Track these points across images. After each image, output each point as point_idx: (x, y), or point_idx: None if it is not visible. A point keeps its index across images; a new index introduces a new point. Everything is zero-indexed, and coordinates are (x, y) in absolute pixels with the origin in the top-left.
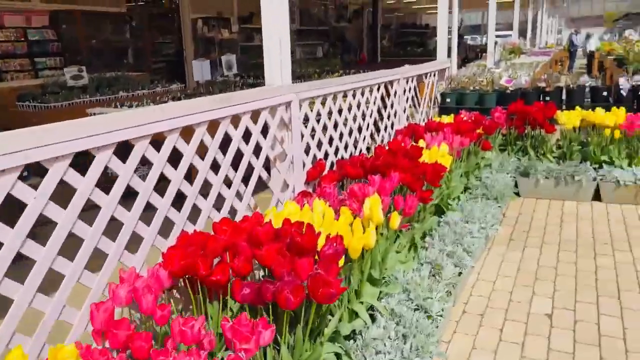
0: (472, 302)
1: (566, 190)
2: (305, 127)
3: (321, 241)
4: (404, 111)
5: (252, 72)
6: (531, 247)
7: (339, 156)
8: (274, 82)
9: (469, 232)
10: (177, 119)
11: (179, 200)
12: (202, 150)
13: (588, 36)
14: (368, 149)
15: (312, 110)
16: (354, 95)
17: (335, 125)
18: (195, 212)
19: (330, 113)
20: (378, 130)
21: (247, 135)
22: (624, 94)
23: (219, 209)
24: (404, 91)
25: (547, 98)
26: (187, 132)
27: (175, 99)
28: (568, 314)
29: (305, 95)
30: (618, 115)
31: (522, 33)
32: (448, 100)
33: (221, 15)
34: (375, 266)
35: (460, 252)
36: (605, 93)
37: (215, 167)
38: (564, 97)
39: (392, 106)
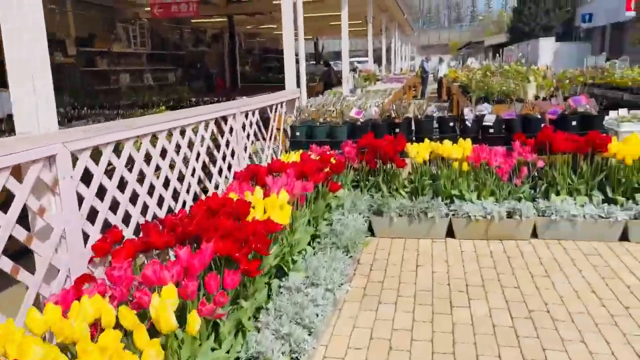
0: None
1: (420, 227)
2: (89, 185)
3: None
4: (245, 150)
5: (90, 102)
6: (386, 304)
7: (149, 217)
8: (29, 130)
9: (313, 300)
10: None
11: None
12: None
13: (441, 61)
14: (196, 199)
15: (99, 163)
16: (170, 135)
17: (142, 178)
18: None
19: (130, 163)
20: (211, 175)
21: None
22: (469, 124)
23: None
24: (244, 127)
25: (397, 130)
26: None
27: None
28: None
29: (81, 145)
30: (465, 147)
31: (378, 60)
32: (298, 133)
33: (54, 37)
34: None
35: (298, 333)
36: (451, 124)
37: None
38: (414, 127)
39: (227, 145)
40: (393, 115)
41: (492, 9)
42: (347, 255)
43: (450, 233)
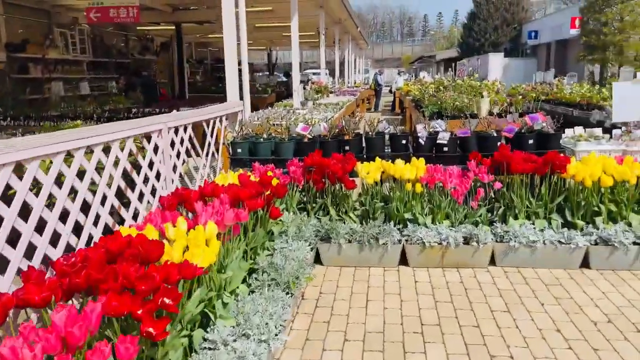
0: None
1: (371, 255)
2: None
3: None
4: (175, 171)
5: (17, 112)
6: (331, 351)
7: (36, 260)
8: None
9: (241, 357)
10: None
11: None
12: None
13: (400, 74)
14: (110, 231)
15: None
16: (69, 156)
17: (27, 211)
18: None
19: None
20: (130, 202)
21: None
22: (422, 142)
23: None
24: (173, 144)
25: (347, 147)
26: None
27: None
28: None
29: None
30: (418, 167)
31: (333, 72)
32: (239, 150)
33: None
34: None
35: None
36: (404, 141)
37: None
38: (365, 144)
39: (151, 166)
40: (343, 131)
41: (444, 25)
42: (288, 294)
43: (403, 260)
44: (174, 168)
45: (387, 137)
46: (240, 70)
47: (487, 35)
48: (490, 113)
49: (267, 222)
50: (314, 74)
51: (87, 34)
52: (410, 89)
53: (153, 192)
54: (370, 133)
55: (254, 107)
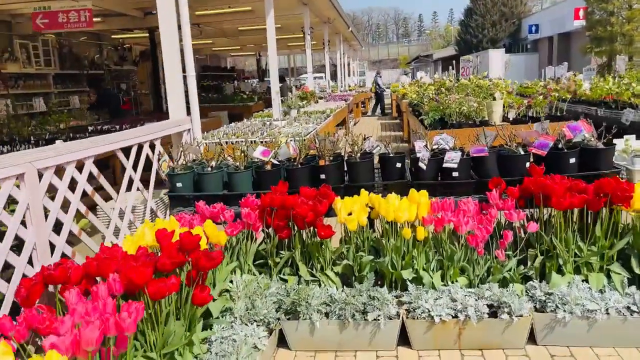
0: None
1: (358, 335)
2: None
3: None
4: (62, 231)
5: None
6: None
7: None
8: None
9: None
10: None
11: None
12: None
13: (407, 74)
14: None
15: None
16: None
17: None
18: None
19: None
20: None
21: None
22: (424, 165)
23: None
24: (61, 189)
25: (323, 176)
26: None
27: None
28: None
29: None
30: (419, 204)
31: (332, 76)
32: (180, 184)
33: None
34: None
35: None
36: (399, 165)
37: None
38: (347, 171)
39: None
40: (319, 152)
41: (439, 24)
42: None
43: (404, 339)
44: (58, 228)
45: (376, 158)
46: (185, 78)
47: (485, 32)
48: (505, 119)
49: (190, 311)
50: (314, 78)
51: (53, 45)
52: (407, 91)
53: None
54: (353, 155)
55: (238, 117)
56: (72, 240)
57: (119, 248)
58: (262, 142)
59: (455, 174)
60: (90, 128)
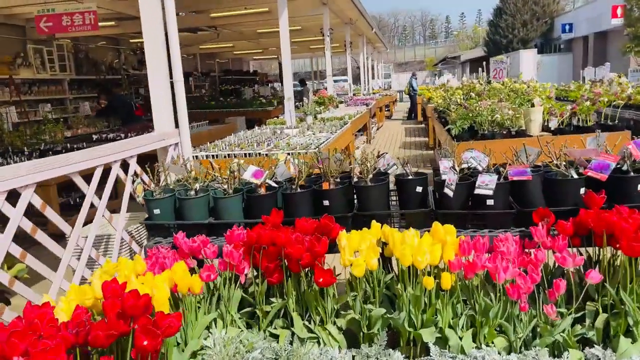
0: None
1: None
2: None
3: None
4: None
5: None
6: None
7: None
8: None
9: None
10: None
11: None
12: None
13: (443, 73)
14: None
15: None
16: None
17: None
18: None
19: None
20: None
21: None
22: (451, 193)
23: None
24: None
25: (327, 202)
26: None
27: None
28: None
29: None
30: (445, 243)
31: (356, 79)
32: (157, 211)
33: None
34: None
35: None
36: (419, 189)
37: None
38: (356, 197)
39: None
40: (324, 173)
41: (467, 25)
42: None
43: None
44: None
45: (392, 180)
46: (172, 85)
47: (516, 32)
48: (546, 128)
49: None
50: (335, 81)
51: (68, 49)
52: (432, 95)
53: None
54: (364, 177)
55: (258, 123)
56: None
57: (50, 309)
58: (267, 154)
59: (490, 201)
60: (95, 137)
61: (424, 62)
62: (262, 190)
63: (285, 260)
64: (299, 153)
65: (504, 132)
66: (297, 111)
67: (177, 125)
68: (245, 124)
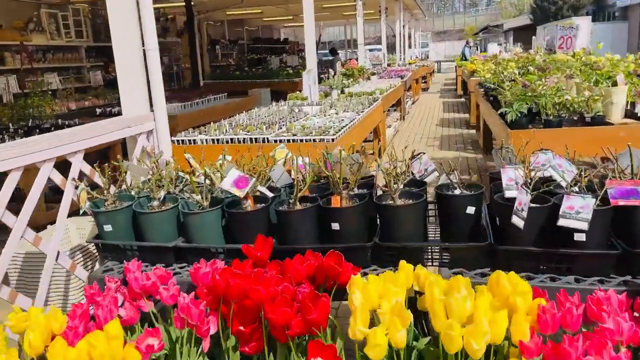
0: None
1: None
2: None
3: None
4: None
5: None
6: None
7: None
8: None
9: None
10: None
11: None
12: None
13: (500, 44)
14: None
15: None
16: None
17: None
18: None
19: None
20: None
21: None
22: (521, 223)
23: None
24: None
25: (337, 226)
26: None
27: None
28: None
29: None
30: (516, 311)
31: (391, 48)
32: (108, 228)
33: None
34: None
35: None
36: (470, 210)
37: None
38: (379, 220)
39: None
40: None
41: None
42: None
43: None
44: None
45: (427, 191)
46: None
47: None
48: (630, 114)
49: None
50: (370, 50)
51: (85, 14)
52: (478, 68)
53: None
54: (390, 190)
55: (283, 95)
56: None
57: None
58: (277, 140)
59: (579, 236)
60: (98, 110)
61: (464, 31)
62: (249, 204)
63: (272, 327)
64: (313, 139)
65: (574, 118)
66: (323, 84)
67: (152, 107)
68: (270, 97)
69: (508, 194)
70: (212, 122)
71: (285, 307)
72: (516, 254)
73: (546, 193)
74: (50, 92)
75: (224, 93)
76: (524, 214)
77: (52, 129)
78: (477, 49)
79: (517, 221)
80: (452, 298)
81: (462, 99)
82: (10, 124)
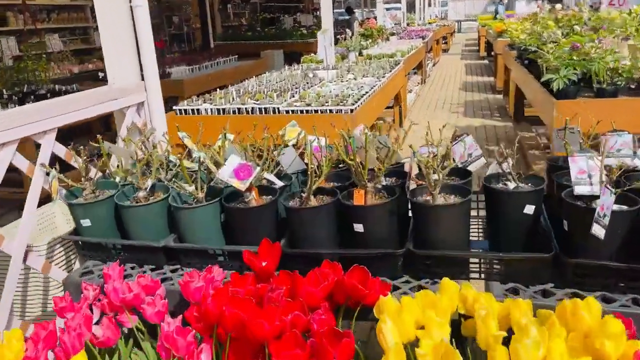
0: None
1: None
2: None
3: None
4: None
5: None
6: None
7: None
8: None
9: None
10: None
11: None
12: None
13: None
14: None
15: None
16: None
17: None
18: None
19: None
20: None
21: None
22: (602, 233)
23: None
24: None
25: (361, 227)
26: None
27: None
28: None
29: None
30: (597, 349)
31: (411, 6)
32: (87, 223)
33: None
34: None
35: None
36: (529, 210)
37: None
38: (413, 219)
39: None
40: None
41: None
42: None
43: None
44: None
45: (476, 183)
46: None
47: None
48: None
49: None
50: (387, 9)
51: None
52: (508, 28)
53: None
54: (430, 187)
55: (297, 57)
56: None
57: None
58: (289, 111)
59: None
60: (101, 74)
61: None
62: (253, 198)
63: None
64: (329, 110)
65: (632, 87)
66: (339, 45)
67: (144, 77)
68: (282, 59)
69: (578, 189)
70: (219, 89)
71: (295, 348)
72: (590, 268)
73: (623, 192)
74: (46, 55)
75: (235, 55)
76: (607, 220)
77: (49, 95)
78: (498, 7)
79: (598, 230)
80: (520, 345)
81: (486, 61)
82: (4, 90)
